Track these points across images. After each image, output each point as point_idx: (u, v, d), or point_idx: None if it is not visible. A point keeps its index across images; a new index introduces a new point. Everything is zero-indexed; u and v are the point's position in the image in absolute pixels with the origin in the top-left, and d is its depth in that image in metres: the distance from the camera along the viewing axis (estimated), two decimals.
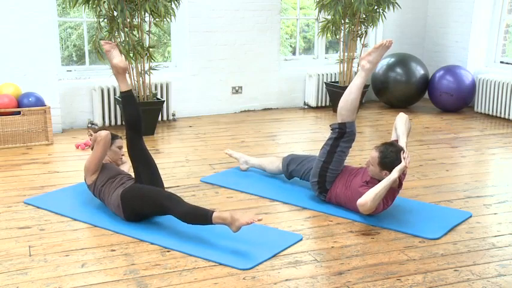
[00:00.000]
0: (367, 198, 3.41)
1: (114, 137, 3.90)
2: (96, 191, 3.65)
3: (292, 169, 4.13)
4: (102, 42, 3.76)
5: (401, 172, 3.48)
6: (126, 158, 3.90)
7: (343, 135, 3.77)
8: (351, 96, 3.77)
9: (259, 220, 3.04)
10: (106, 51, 3.69)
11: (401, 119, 3.84)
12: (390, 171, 3.48)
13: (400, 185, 3.63)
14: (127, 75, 5.56)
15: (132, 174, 3.74)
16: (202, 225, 3.19)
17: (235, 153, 4.59)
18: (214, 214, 3.11)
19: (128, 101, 3.68)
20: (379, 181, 3.51)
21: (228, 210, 3.36)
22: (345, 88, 6.74)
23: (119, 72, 3.66)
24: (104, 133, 3.63)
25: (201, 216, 3.16)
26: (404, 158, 3.49)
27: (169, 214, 3.29)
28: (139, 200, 3.38)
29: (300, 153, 4.71)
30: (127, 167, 4.00)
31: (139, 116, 3.69)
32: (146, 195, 3.37)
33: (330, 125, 3.86)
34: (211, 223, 3.12)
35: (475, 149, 5.39)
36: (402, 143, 3.67)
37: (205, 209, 3.21)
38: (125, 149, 3.86)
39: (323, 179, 3.79)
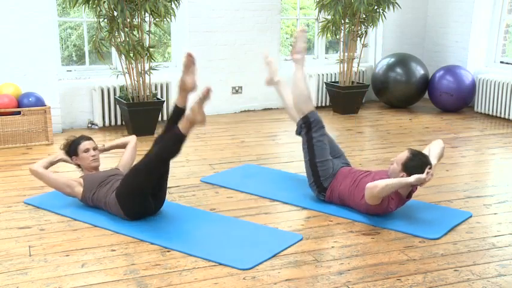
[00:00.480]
0: (378, 183, 3.39)
1: (76, 144, 3.76)
2: (90, 202, 3.65)
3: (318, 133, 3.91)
4: (188, 53, 3.52)
5: (417, 182, 3.42)
6: (124, 138, 4.02)
7: (310, 127, 3.85)
8: (299, 90, 3.92)
9: (208, 89, 3.15)
10: (186, 65, 3.49)
11: (437, 144, 3.80)
12: (408, 175, 3.46)
13: (409, 196, 3.63)
14: (127, 75, 5.63)
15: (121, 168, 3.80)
16: (180, 143, 3.28)
17: (273, 66, 4.33)
18: (179, 126, 3.24)
19: (182, 141, 3.35)
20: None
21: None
22: (345, 88, 6.80)
23: (184, 90, 3.54)
24: (30, 171, 3.72)
25: (173, 138, 3.29)
26: (427, 173, 3.44)
27: (156, 173, 3.35)
28: (129, 187, 3.40)
29: (300, 153, 4.70)
30: (133, 143, 3.97)
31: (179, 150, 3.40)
32: (132, 179, 3.40)
33: (296, 131, 3.99)
34: (184, 134, 3.25)
35: (475, 149, 5.39)
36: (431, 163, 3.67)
37: (172, 130, 3.32)
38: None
39: (317, 177, 3.80)
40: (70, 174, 4.44)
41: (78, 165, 3.81)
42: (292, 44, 4.06)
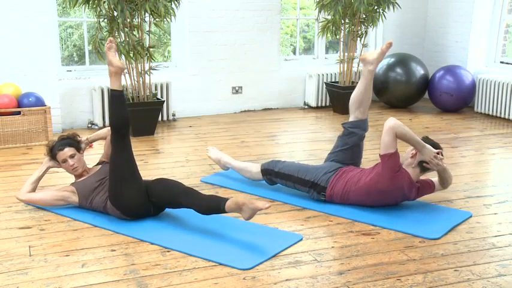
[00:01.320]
0: (398, 121, 3.52)
1: (56, 152, 3.67)
2: (89, 207, 3.63)
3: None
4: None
5: (429, 153, 3.56)
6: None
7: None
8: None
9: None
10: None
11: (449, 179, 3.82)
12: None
13: (417, 195, 3.71)
14: (127, 75, 5.62)
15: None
16: (115, 102, 3.39)
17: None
18: (111, 87, 3.37)
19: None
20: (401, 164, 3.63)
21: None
22: (345, 88, 6.80)
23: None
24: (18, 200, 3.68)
25: (109, 102, 3.39)
26: (438, 153, 3.60)
27: (116, 143, 3.38)
28: (120, 190, 3.40)
29: (300, 153, 4.71)
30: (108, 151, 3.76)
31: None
32: (109, 170, 3.42)
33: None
34: (115, 90, 3.36)
35: (475, 149, 5.39)
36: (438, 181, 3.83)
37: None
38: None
39: (306, 182, 3.84)
40: (70, 174, 4.44)
41: None
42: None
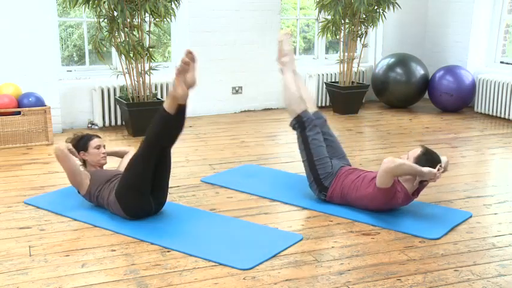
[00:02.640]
0: (396, 159, 3.44)
1: (88, 139, 3.78)
2: (94, 199, 3.65)
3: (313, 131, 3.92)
4: (187, 50, 3.29)
5: (429, 175, 3.46)
6: (126, 147, 3.95)
7: (304, 126, 3.87)
8: (289, 92, 3.97)
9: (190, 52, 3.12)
10: (185, 63, 3.26)
11: (443, 160, 3.76)
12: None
13: (414, 194, 3.65)
14: (127, 75, 5.62)
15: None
16: (165, 121, 3.32)
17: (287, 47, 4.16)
18: (164, 104, 3.27)
19: (183, 114, 3.36)
20: (399, 181, 3.55)
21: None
22: (345, 88, 6.80)
23: (177, 98, 3.30)
24: (54, 149, 3.63)
25: (159, 119, 3.32)
26: (438, 169, 3.50)
27: (148, 155, 3.35)
28: (127, 185, 3.41)
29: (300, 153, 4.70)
30: (131, 154, 3.85)
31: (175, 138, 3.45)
32: (129, 176, 3.41)
33: (290, 126, 3.99)
34: (169, 113, 3.28)
35: (475, 149, 5.39)
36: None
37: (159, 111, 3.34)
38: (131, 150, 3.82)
39: (316, 175, 3.80)
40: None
41: (83, 161, 3.80)
42: (278, 47, 4.07)
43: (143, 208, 3.49)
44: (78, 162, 3.77)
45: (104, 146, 3.84)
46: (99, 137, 3.85)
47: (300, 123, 3.89)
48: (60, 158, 3.62)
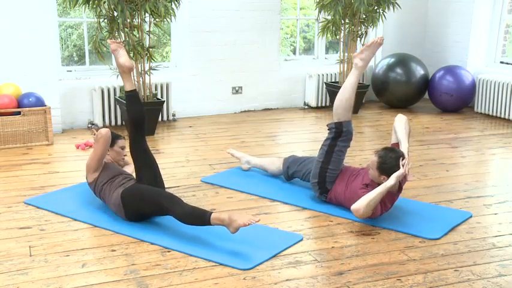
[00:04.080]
0: (361, 204, 3.37)
1: (116, 137, 3.90)
2: (97, 190, 3.65)
3: (293, 171, 4.14)
4: (109, 41, 3.78)
5: (398, 179, 3.45)
6: (129, 159, 3.88)
7: (340, 135, 3.76)
8: (345, 95, 3.77)
9: (257, 221, 3.03)
10: (112, 50, 3.70)
11: (400, 122, 3.82)
12: (389, 176, 3.47)
13: (400, 189, 3.62)
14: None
15: (134, 175, 3.74)
16: (201, 226, 3.19)
17: (237, 153, 4.59)
18: (213, 215, 3.11)
19: (132, 100, 3.69)
20: (379, 185, 3.50)
21: (226, 211, 3.36)
22: None
23: (125, 72, 3.68)
24: (104, 131, 3.63)
25: (199, 218, 3.17)
26: (403, 165, 3.47)
27: (168, 215, 3.29)
28: (139, 199, 3.39)
29: (300, 153, 4.71)
30: (131, 169, 3.94)
31: (143, 115, 3.71)
32: (146, 195, 3.37)
33: (327, 125, 3.85)
34: (210, 224, 3.12)
35: (475, 149, 5.39)
36: (404, 148, 3.64)
37: (204, 211, 3.21)
38: (127, 149, 3.84)
39: (323, 179, 3.78)
40: (70, 174, 4.45)
41: None
42: (362, 48, 3.90)
43: (146, 215, 3.50)
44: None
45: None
46: (124, 139, 3.97)
47: (338, 131, 3.76)
48: (101, 140, 3.63)
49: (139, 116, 3.68)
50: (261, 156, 4.73)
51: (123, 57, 3.67)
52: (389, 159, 3.49)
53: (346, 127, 3.76)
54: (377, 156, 3.55)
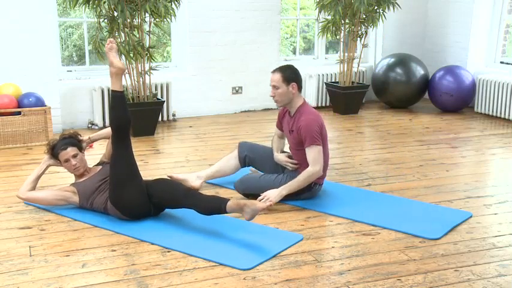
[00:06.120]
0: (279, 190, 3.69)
1: (58, 150, 3.64)
2: (89, 207, 3.62)
3: (250, 158, 4.23)
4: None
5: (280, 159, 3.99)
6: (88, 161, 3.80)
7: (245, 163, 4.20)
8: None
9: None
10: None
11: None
12: (296, 81, 3.99)
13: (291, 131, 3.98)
14: (127, 75, 5.62)
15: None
16: (115, 102, 3.39)
17: (181, 175, 4.12)
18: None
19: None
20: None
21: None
22: (345, 88, 6.80)
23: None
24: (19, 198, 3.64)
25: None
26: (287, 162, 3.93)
27: (116, 143, 3.39)
28: (111, 176, 3.43)
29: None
30: (98, 169, 3.73)
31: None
32: (111, 171, 3.43)
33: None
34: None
35: (475, 149, 5.39)
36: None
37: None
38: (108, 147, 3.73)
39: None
40: (70, 174, 4.45)
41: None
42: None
43: (139, 202, 3.43)
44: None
45: (75, 155, 3.64)
46: (70, 145, 3.65)
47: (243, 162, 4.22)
48: (30, 201, 3.66)
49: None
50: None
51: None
52: (288, 68, 4.10)
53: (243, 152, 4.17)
54: (278, 71, 4.14)
